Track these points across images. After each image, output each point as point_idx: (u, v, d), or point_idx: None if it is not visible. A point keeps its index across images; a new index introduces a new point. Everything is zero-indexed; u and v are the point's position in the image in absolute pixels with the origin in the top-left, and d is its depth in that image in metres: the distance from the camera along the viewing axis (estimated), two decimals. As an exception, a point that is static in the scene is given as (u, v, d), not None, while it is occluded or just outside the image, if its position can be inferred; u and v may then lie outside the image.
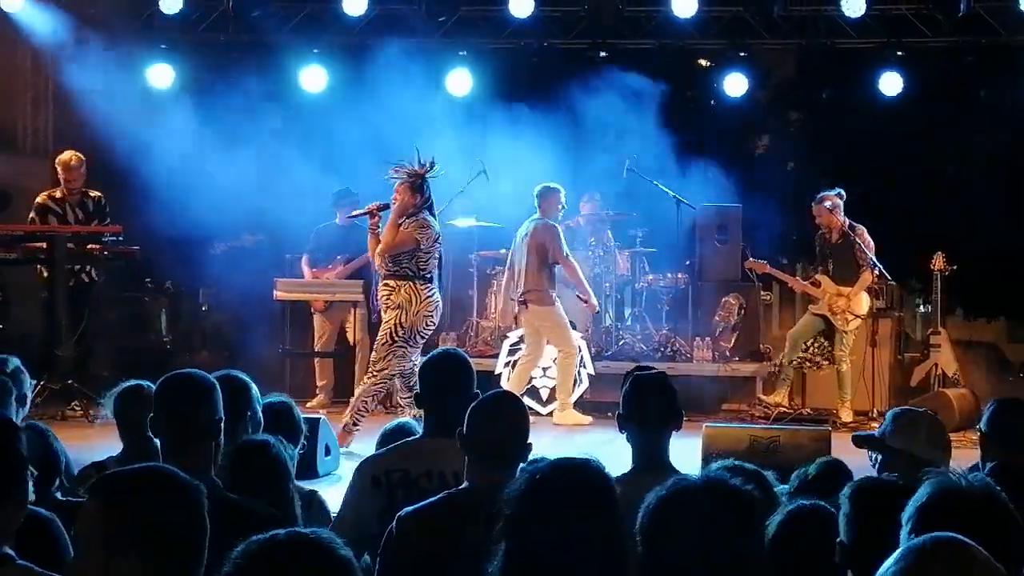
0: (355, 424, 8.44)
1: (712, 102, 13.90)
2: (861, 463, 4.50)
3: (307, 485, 5.26)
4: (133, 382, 4.94)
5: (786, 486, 4.16)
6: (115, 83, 11.93)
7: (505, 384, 10.66)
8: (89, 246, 10.27)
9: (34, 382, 6.39)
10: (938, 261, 11.05)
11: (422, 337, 8.53)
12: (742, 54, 12.71)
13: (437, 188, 9.27)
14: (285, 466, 4.18)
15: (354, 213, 9.69)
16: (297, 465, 5.27)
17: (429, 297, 8.46)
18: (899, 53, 12.37)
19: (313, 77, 12.67)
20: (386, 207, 8.70)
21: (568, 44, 12.88)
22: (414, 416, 7.86)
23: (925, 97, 13.16)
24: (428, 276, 8.48)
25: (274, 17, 12.54)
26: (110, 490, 2.58)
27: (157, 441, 3.90)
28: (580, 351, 10.79)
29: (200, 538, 2.58)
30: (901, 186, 15.06)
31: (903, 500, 2.52)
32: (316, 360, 11.43)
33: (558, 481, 2.78)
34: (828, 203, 10.82)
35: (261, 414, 4.65)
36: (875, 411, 10.68)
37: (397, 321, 8.41)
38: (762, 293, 12.40)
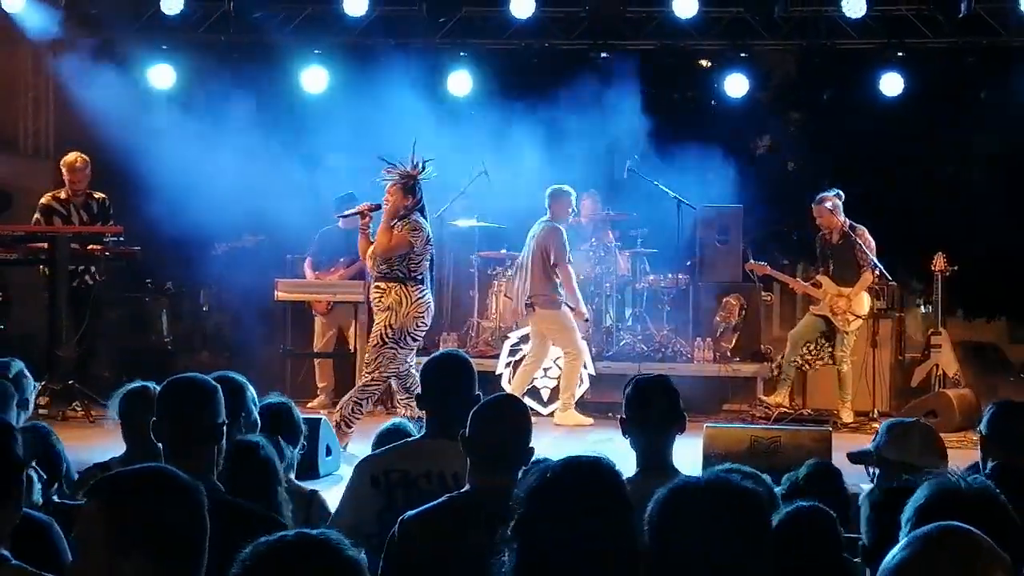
0: (348, 425, 8.43)
1: (713, 103, 13.92)
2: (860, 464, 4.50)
3: (308, 485, 5.28)
4: (139, 383, 4.94)
5: (780, 488, 4.17)
6: (116, 84, 11.94)
7: (506, 384, 10.68)
8: (90, 247, 10.27)
9: (37, 385, 6.41)
10: (939, 261, 11.05)
11: (413, 339, 8.51)
12: (743, 55, 12.71)
13: (438, 189, 9.29)
14: (275, 468, 4.18)
15: (345, 213, 9.63)
16: (298, 465, 5.31)
17: (420, 299, 8.46)
18: (900, 54, 12.38)
19: (314, 78, 12.67)
20: (377, 208, 8.68)
21: (569, 45, 12.88)
22: (410, 416, 7.90)
23: (926, 98, 13.17)
24: (419, 278, 8.47)
25: (275, 18, 12.54)
26: (111, 491, 2.58)
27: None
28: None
29: (201, 538, 2.59)
30: (902, 186, 15.08)
31: (950, 507, 2.51)
32: (317, 361, 11.44)
33: (569, 479, 2.78)
34: (828, 204, 10.83)
35: (257, 415, 4.65)
36: (876, 412, 10.69)
37: (387, 323, 8.41)
38: (763, 294, 12.42)
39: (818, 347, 10.98)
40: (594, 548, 2.68)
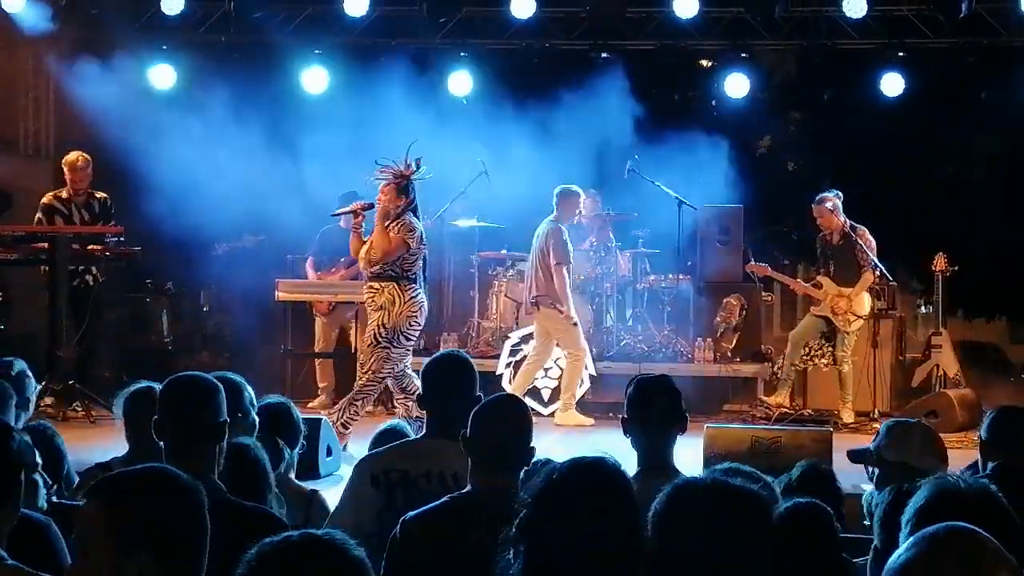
0: (345, 427, 8.43)
1: (713, 103, 13.93)
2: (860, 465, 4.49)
3: (308, 485, 5.27)
4: (144, 383, 4.93)
5: (774, 489, 4.16)
6: (116, 84, 11.94)
7: (507, 384, 10.68)
8: (91, 247, 10.27)
9: (39, 386, 6.41)
10: (939, 262, 11.05)
11: (407, 338, 8.49)
12: (743, 55, 12.71)
13: (439, 189, 9.28)
14: (264, 469, 4.17)
15: (338, 211, 9.58)
16: (298, 465, 5.31)
17: (413, 298, 8.45)
18: (900, 54, 12.37)
19: (314, 78, 12.67)
20: (371, 207, 8.68)
21: (570, 45, 12.89)
22: (407, 416, 7.91)
23: (926, 98, 13.18)
24: (413, 277, 8.47)
25: (275, 18, 12.54)
26: (112, 491, 2.58)
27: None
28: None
29: (202, 538, 2.59)
30: (902, 186, 15.10)
31: (949, 508, 2.51)
32: (317, 361, 11.44)
33: (575, 480, 2.78)
34: (829, 204, 10.82)
35: (256, 415, 4.65)
36: (876, 412, 10.68)
37: (380, 322, 8.40)
38: (763, 294, 12.42)
39: (819, 347, 10.99)
40: (601, 549, 2.68)
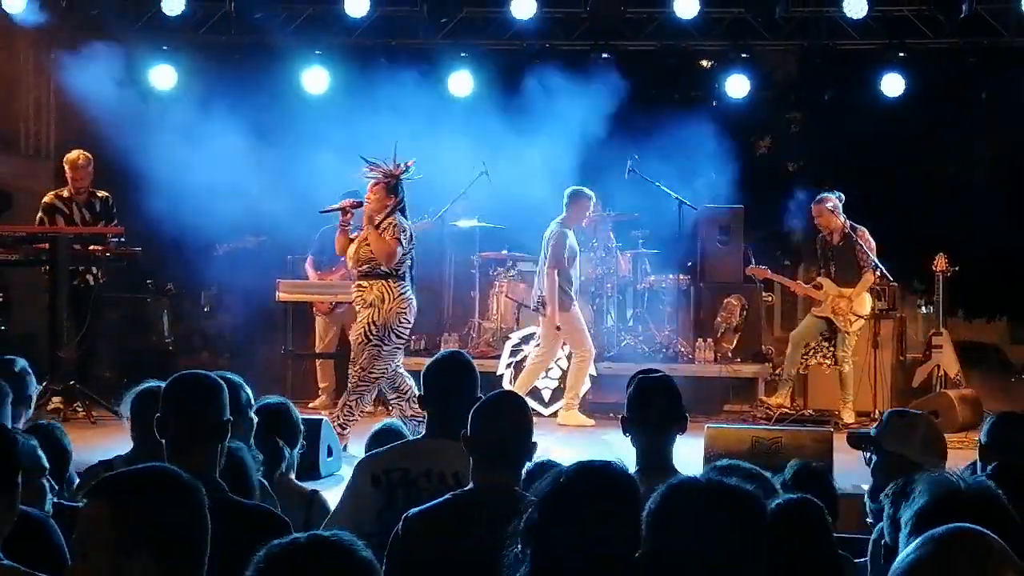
0: (343, 427, 8.42)
1: (714, 103, 13.91)
2: (861, 465, 4.49)
3: (309, 485, 5.27)
4: (153, 383, 4.92)
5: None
6: (117, 84, 11.94)
7: (508, 385, 10.67)
8: (92, 247, 10.27)
9: (39, 386, 6.41)
10: (940, 262, 11.05)
11: (398, 336, 8.48)
12: (744, 55, 12.70)
13: (440, 190, 9.28)
14: (247, 471, 4.16)
15: (326, 209, 9.50)
16: (299, 466, 5.31)
17: (402, 294, 8.45)
18: (901, 54, 12.37)
19: (315, 79, 12.67)
20: (359, 205, 8.68)
21: (570, 45, 12.88)
22: (400, 417, 7.91)
23: (927, 98, 13.17)
24: (401, 275, 8.48)
25: (276, 19, 12.54)
26: (112, 491, 2.59)
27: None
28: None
29: (203, 538, 2.59)
30: (903, 187, 15.10)
31: (949, 507, 2.51)
32: (318, 361, 11.44)
33: (583, 483, 2.78)
34: (829, 204, 10.84)
35: (254, 415, 4.65)
36: (877, 412, 10.67)
37: (370, 319, 8.40)
38: (764, 294, 12.42)
39: (819, 348, 10.99)
40: (608, 553, 2.68)
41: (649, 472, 4.17)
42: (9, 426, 4.44)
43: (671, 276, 12.18)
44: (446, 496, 3.81)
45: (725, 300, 12.00)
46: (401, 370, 8.56)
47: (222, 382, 3.90)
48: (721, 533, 2.43)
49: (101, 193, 10.86)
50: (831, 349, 10.91)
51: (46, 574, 2.88)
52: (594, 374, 10.92)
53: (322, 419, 7.79)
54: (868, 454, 4.31)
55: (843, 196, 10.96)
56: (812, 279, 11.33)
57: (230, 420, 3.83)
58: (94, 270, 10.64)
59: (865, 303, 10.83)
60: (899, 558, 2.14)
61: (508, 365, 11.11)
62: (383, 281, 8.41)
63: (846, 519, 4.36)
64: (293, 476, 5.10)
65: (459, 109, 12.54)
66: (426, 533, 3.66)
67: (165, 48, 12.72)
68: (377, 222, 8.41)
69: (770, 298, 13.05)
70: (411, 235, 8.55)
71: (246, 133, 11.80)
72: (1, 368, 5.27)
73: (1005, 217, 13.88)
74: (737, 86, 12.70)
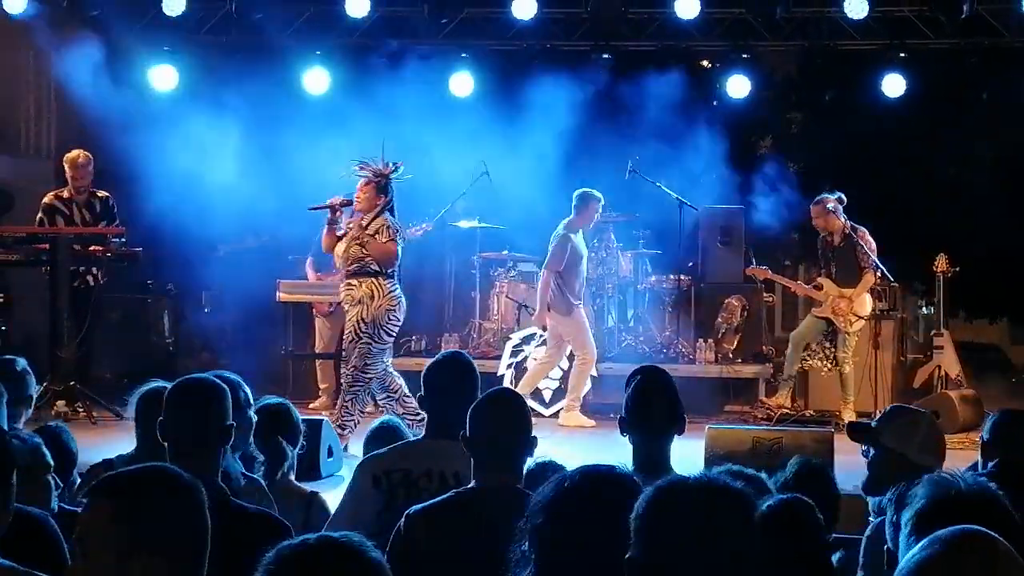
0: (342, 427, 8.42)
1: (715, 103, 13.91)
2: (861, 465, 4.48)
3: (309, 486, 5.27)
4: (160, 383, 4.92)
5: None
6: (118, 85, 11.94)
7: (508, 385, 10.67)
8: (92, 248, 10.27)
9: (39, 386, 6.41)
10: (940, 263, 11.05)
11: (388, 333, 8.49)
12: (745, 56, 12.69)
13: (440, 190, 9.29)
14: (227, 476, 4.15)
15: (314, 206, 9.46)
16: (300, 466, 5.30)
17: (391, 292, 8.47)
18: (901, 55, 12.35)
19: (316, 79, 12.66)
20: (349, 203, 8.70)
21: (571, 46, 12.87)
22: (394, 415, 7.91)
23: (927, 99, 13.17)
24: (391, 273, 8.50)
25: (277, 19, 12.52)
26: (113, 490, 2.58)
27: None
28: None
29: (203, 538, 2.59)
30: (903, 187, 15.10)
31: (949, 507, 2.51)
32: (318, 362, 11.44)
33: (588, 488, 2.78)
34: (829, 204, 10.83)
35: (253, 415, 4.64)
36: (877, 412, 10.66)
37: (359, 316, 8.43)
38: (764, 295, 12.41)
39: (820, 348, 10.99)
40: (613, 557, 2.68)
41: (645, 472, 4.17)
42: (7, 426, 4.44)
43: (672, 276, 12.18)
44: (448, 494, 3.82)
45: (726, 300, 12.00)
46: (391, 369, 8.58)
47: (225, 386, 3.90)
48: (709, 531, 2.42)
49: (101, 193, 10.86)
50: (832, 350, 10.91)
51: (46, 574, 2.88)
52: (595, 375, 10.92)
53: (323, 420, 7.80)
54: (866, 447, 4.31)
55: (843, 196, 10.96)
56: (812, 279, 11.34)
57: (233, 424, 3.84)
58: (94, 270, 10.64)
59: (865, 304, 10.82)
60: (905, 558, 2.14)
61: (509, 366, 11.11)
62: (372, 279, 8.44)
63: (847, 519, 4.36)
64: (293, 477, 5.10)
65: (460, 109, 12.54)
66: (428, 530, 3.68)
67: (166, 48, 12.70)
68: (366, 223, 8.43)
69: (771, 299, 13.04)
70: (403, 234, 8.60)
71: (247, 133, 11.81)
72: (2, 368, 5.27)
73: (1006, 217, 13.88)
74: (738, 86, 12.69)
